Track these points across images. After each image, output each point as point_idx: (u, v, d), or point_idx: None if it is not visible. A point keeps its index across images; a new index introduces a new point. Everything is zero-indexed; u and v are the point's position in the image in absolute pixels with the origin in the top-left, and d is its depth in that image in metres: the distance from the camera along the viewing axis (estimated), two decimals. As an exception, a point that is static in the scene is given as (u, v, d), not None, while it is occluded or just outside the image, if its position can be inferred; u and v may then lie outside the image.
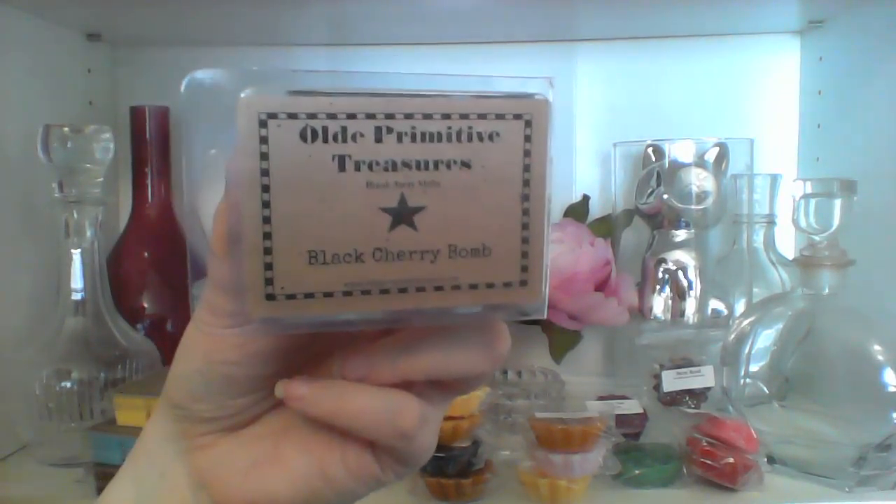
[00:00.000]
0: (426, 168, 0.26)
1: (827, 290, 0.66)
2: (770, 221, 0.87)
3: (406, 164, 0.26)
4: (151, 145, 0.90)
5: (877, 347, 0.63)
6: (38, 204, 0.77)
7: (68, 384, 0.70)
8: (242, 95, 0.25)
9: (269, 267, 0.25)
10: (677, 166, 0.84)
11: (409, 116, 0.26)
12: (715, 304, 0.85)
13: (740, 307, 0.85)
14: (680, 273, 0.85)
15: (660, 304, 0.85)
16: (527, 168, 0.27)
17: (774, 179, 0.87)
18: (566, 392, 0.80)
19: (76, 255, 0.72)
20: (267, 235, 0.25)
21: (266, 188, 0.25)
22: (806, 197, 0.66)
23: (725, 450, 0.62)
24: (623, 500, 0.62)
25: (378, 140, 0.26)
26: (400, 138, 0.26)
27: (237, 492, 0.31)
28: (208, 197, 0.29)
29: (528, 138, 0.27)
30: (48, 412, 0.69)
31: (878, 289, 0.75)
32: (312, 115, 0.25)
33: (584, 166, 1.00)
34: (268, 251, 0.25)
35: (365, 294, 0.26)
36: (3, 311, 0.75)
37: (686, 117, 0.97)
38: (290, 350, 0.30)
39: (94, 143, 0.71)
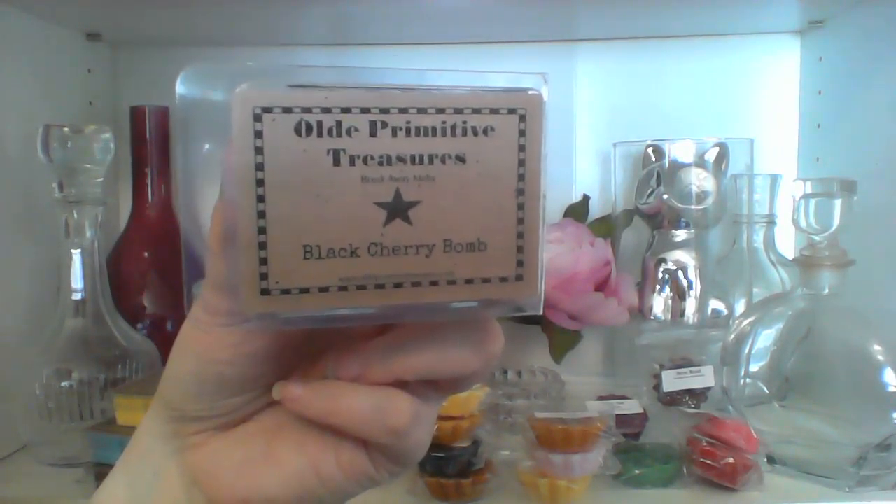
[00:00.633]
0: (421, 162, 0.26)
1: (827, 290, 0.66)
2: (770, 221, 0.87)
3: (401, 159, 0.26)
4: (151, 145, 0.90)
5: (877, 347, 0.63)
6: (38, 204, 0.77)
7: (68, 384, 0.70)
8: (237, 90, 0.25)
9: (263, 262, 0.25)
10: (677, 166, 0.84)
11: (403, 111, 0.26)
12: (715, 304, 0.85)
13: (740, 307, 0.84)
14: (680, 273, 0.85)
15: (660, 304, 0.85)
16: (521, 162, 0.27)
17: (774, 179, 0.87)
18: (566, 392, 0.80)
19: (76, 255, 0.72)
20: (262, 230, 0.25)
21: (261, 182, 0.25)
22: (806, 197, 0.66)
23: (725, 450, 0.62)
24: (623, 500, 0.62)
25: (373, 134, 0.26)
26: (395, 133, 0.26)
27: (230, 490, 0.31)
28: (204, 193, 0.29)
29: (522, 133, 0.27)
30: (48, 412, 0.69)
31: (878, 289, 0.75)
32: (307, 110, 0.25)
33: (584, 166, 1.00)
34: (262, 246, 0.25)
35: (360, 289, 0.26)
36: (3, 311, 0.75)
37: (686, 117, 0.97)
38: (284, 350, 0.30)
39: (94, 143, 0.71)
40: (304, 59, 1.00)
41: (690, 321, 0.84)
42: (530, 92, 0.27)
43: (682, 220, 0.85)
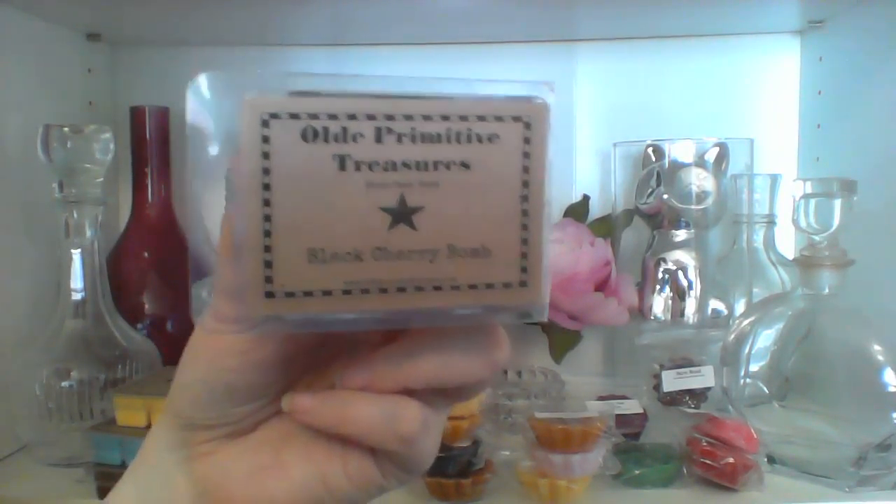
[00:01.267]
0: (426, 168, 0.26)
1: (827, 290, 0.66)
2: (770, 221, 0.87)
3: (406, 165, 0.26)
4: (151, 145, 0.90)
5: (877, 347, 0.63)
6: (38, 204, 0.76)
7: (68, 384, 0.70)
8: (246, 97, 0.25)
9: (268, 265, 0.26)
10: (677, 166, 0.84)
11: (408, 118, 0.26)
12: (715, 304, 0.85)
13: (740, 307, 0.85)
14: (680, 273, 0.85)
15: (660, 304, 0.85)
16: (525, 170, 0.27)
17: (774, 179, 0.87)
18: (566, 392, 0.80)
19: (76, 255, 0.72)
20: (267, 233, 0.25)
21: (267, 187, 0.25)
22: (806, 197, 0.66)
23: (725, 450, 0.62)
24: (623, 500, 0.62)
25: (378, 140, 0.26)
26: (400, 139, 0.26)
27: (239, 499, 0.31)
28: (212, 198, 0.29)
29: (527, 140, 0.27)
30: (48, 412, 0.69)
31: (878, 289, 0.75)
32: (314, 116, 0.25)
33: (584, 166, 1.00)
34: (268, 249, 0.26)
35: (364, 293, 0.26)
36: (3, 311, 0.75)
37: (686, 117, 0.97)
38: (293, 360, 0.30)
39: (94, 143, 0.71)
40: (303, 58, 1.00)
41: (690, 321, 0.84)
42: (535, 100, 0.27)
43: (682, 220, 0.85)
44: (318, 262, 0.26)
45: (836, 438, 0.63)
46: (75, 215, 0.71)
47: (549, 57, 1.00)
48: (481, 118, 0.27)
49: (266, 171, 0.25)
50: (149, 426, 0.60)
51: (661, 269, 0.86)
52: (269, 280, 0.26)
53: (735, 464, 0.61)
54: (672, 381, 0.77)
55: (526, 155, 0.27)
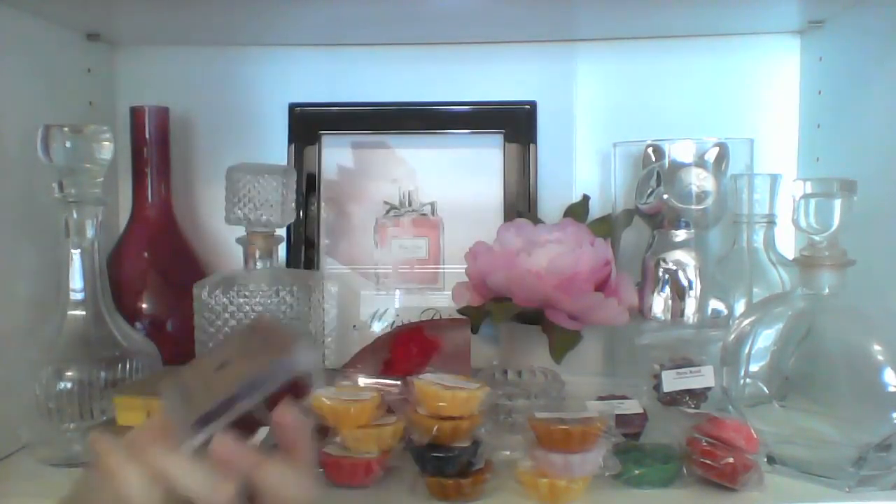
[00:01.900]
0: None
1: (827, 290, 0.66)
2: (770, 221, 0.87)
3: None
4: (151, 145, 0.90)
5: (877, 347, 0.63)
6: (38, 204, 0.76)
7: (68, 384, 0.69)
8: None
9: None
10: (677, 166, 0.85)
11: None
12: (715, 304, 0.85)
13: (740, 307, 0.84)
14: (680, 273, 0.85)
15: (660, 304, 0.85)
16: None
17: (774, 179, 0.87)
18: (566, 392, 0.80)
19: (76, 255, 0.72)
20: None
21: None
22: (806, 197, 0.66)
23: (725, 450, 0.62)
24: (623, 500, 0.62)
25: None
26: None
27: None
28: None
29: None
30: (48, 412, 0.69)
31: (878, 289, 0.75)
32: None
33: (584, 166, 1.00)
34: None
35: None
36: (3, 311, 0.75)
37: (686, 117, 0.97)
38: None
39: (94, 143, 0.71)
40: (303, 58, 1.00)
41: (690, 321, 0.84)
42: None
43: (682, 220, 0.85)
44: None
45: (836, 438, 0.63)
46: (75, 215, 0.71)
47: (549, 57, 1.00)
48: None
49: None
50: (148, 426, 0.59)
51: (661, 269, 0.86)
52: None
53: (735, 464, 0.61)
54: (672, 381, 0.77)
55: None
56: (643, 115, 0.98)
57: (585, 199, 0.94)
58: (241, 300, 0.77)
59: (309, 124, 1.00)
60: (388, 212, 1.00)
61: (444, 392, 0.61)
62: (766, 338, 0.69)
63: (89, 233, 0.72)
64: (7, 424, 0.72)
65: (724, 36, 0.97)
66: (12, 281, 0.77)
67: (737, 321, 0.73)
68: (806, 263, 0.67)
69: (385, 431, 0.63)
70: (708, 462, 0.62)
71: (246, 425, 0.44)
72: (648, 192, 0.86)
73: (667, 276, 0.85)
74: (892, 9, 0.78)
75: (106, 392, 0.69)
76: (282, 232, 0.84)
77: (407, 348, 0.81)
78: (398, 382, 0.67)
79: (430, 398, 0.61)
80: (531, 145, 0.99)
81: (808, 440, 0.64)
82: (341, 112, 1.00)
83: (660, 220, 0.86)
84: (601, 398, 0.76)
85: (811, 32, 0.94)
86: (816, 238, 0.66)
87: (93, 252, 0.73)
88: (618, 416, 0.68)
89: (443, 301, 0.96)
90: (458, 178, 1.00)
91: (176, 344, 0.83)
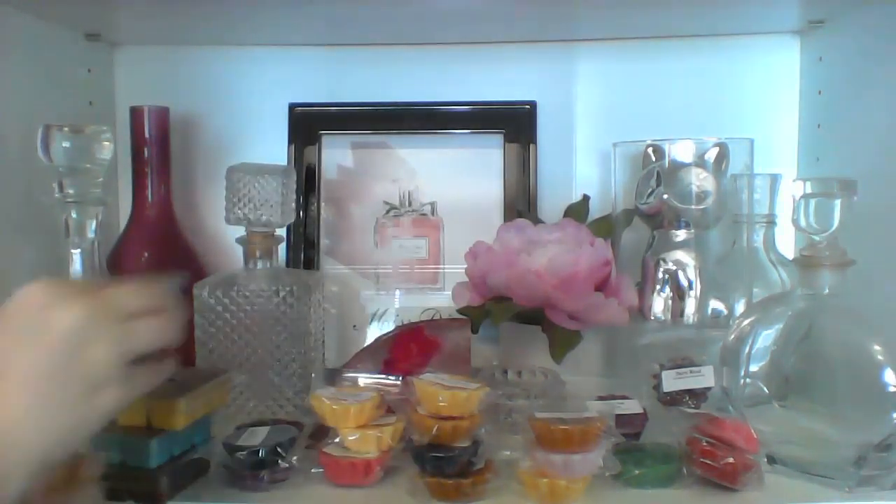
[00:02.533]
0: None
1: (827, 290, 0.66)
2: (770, 221, 0.87)
3: None
4: (151, 145, 0.90)
5: (877, 347, 0.63)
6: (38, 204, 0.76)
7: (68, 384, 0.69)
8: None
9: None
10: (677, 166, 0.84)
11: None
12: (715, 304, 0.85)
13: (740, 307, 0.84)
14: (680, 273, 0.85)
15: (660, 304, 0.85)
16: None
17: (774, 179, 0.87)
18: (566, 392, 0.80)
19: (76, 255, 0.72)
20: None
21: None
22: (806, 197, 0.66)
23: (725, 450, 0.62)
24: (623, 500, 0.62)
25: None
26: None
27: None
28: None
29: None
30: (48, 412, 0.69)
31: (878, 289, 0.75)
32: None
33: (584, 166, 1.00)
34: None
35: None
36: (3, 311, 0.75)
37: (686, 117, 0.97)
38: None
39: (94, 143, 0.71)
40: (303, 58, 1.00)
41: (690, 321, 0.84)
42: None
43: (682, 220, 0.85)
44: None
45: (836, 438, 0.63)
46: (75, 215, 0.71)
47: (549, 57, 1.00)
48: None
49: None
50: (149, 426, 0.60)
51: (661, 269, 0.85)
52: None
53: (735, 464, 0.61)
54: (672, 381, 0.77)
55: None
56: (643, 115, 0.98)
57: (585, 199, 0.94)
58: (241, 300, 0.77)
59: (309, 124, 1.00)
60: (388, 212, 1.00)
61: (444, 392, 0.61)
62: (766, 338, 0.69)
63: (89, 233, 0.72)
64: (7, 424, 0.71)
65: (723, 36, 0.97)
66: (12, 281, 0.76)
67: (737, 321, 0.73)
68: (806, 263, 0.67)
69: (385, 431, 0.63)
70: (708, 462, 0.62)
71: None
72: (648, 192, 0.86)
73: (667, 276, 0.85)
74: (892, 9, 0.78)
75: (106, 392, 0.69)
76: (282, 232, 0.84)
77: (407, 348, 0.81)
78: (398, 382, 0.67)
79: (430, 398, 0.61)
80: (531, 145, 0.99)
81: (808, 440, 0.64)
82: (341, 112, 1.00)
83: (660, 220, 0.86)
84: (601, 398, 0.76)
85: (811, 32, 0.94)
86: (816, 238, 0.66)
87: (93, 252, 0.73)
88: (618, 416, 0.68)
89: (443, 301, 0.96)
90: (458, 178, 1.00)
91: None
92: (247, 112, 1.01)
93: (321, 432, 0.66)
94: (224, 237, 0.95)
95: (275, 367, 0.77)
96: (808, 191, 0.66)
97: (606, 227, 0.91)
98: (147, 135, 0.89)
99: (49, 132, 0.69)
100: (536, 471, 0.61)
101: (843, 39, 0.88)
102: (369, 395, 0.65)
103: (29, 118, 0.77)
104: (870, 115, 0.82)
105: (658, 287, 0.86)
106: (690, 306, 0.84)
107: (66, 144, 0.69)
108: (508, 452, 0.64)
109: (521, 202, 0.98)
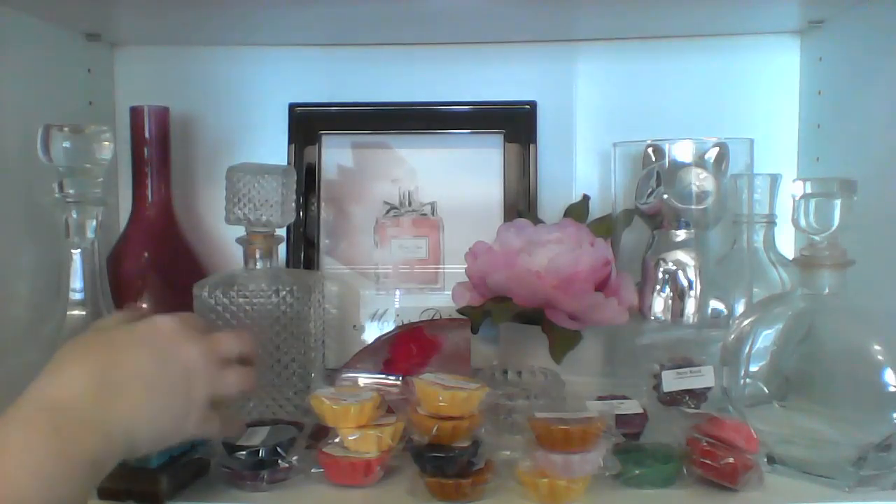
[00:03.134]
0: None
1: (827, 290, 0.66)
2: (770, 221, 0.87)
3: None
4: (151, 145, 0.90)
5: (877, 347, 0.63)
6: (38, 204, 0.77)
7: (68, 384, 0.69)
8: None
9: None
10: (677, 166, 0.84)
11: None
12: (715, 304, 0.85)
13: (740, 307, 0.84)
14: (680, 273, 0.85)
15: (660, 304, 0.85)
16: None
17: (774, 179, 0.87)
18: (566, 392, 0.80)
19: (76, 255, 0.72)
20: None
21: None
22: (806, 197, 0.66)
23: (725, 450, 0.62)
24: (623, 500, 0.62)
25: None
26: None
27: None
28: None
29: None
30: (48, 412, 0.69)
31: (878, 289, 0.75)
32: None
33: (584, 166, 1.00)
34: None
35: None
36: (3, 311, 0.75)
37: (686, 117, 0.97)
38: None
39: (94, 143, 0.71)
40: (303, 58, 1.00)
41: (690, 321, 0.84)
42: None
43: (682, 220, 0.85)
44: None
45: (836, 438, 0.63)
46: (75, 215, 0.71)
47: (549, 57, 1.00)
48: None
49: None
50: (149, 426, 0.60)
51: (661, 269, 0.85)
52: None
53: (735, 464, 0.61)
54: (672, 381, 0.77)
55: None
56: (643, 115, 0.98)
57: (585, 199, 0.95)
58: (241, 300, 0.77)
59: (309, 124, 1.00)
60: (388, 212, 1.00)
61: (443, 392, 0.61)
62: (766, 338, 0.69)
63: (89, 233, 0.72)
64: (7, 424, 0.71)
65: (723, 36, 0.97)
66: (12, 281, 0.77)
67: (737, 321, 0.73)
68: (806, 263, 0.67)
69: (385, 431, 0.63)
70: (708, 462, 0.62)
71: None
72: (648, 192, 0.86)
73: (667, 276, 0.85)
74: (892, 9, 0.78)
75: (106, 392, 0.69)
76: (282, 232, 0.84)
77: (407, 348, 0.81)
78: (398, 382, 0.67)
79: (429, 398, 0.61)
80: (531, 145, 0.99)
81: (808, 440, 0.64)
82: (341, 112, 1.00)
83: (660, 220, 0.86)
84: (601, 398, 0.76)
85: (811, 32, 0.94)
86: (816, 238, 0.66)
87: (93, 252, 0.73)
88: (618, 416, 0.68)
89: (443, 301, 0.96)
90: (458, 178, 1.00)
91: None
92: (247, 112, 1.01)
93: (321, 432, 0.66)
94: (224, 237, 0.95)
95: (275, 367, 0.77)
96: (808, 191, 0.66)
97: (606, 227, 0.91)
98: (147, 135, 0.90)
99: (49, 132, 0.69)
100: (536, 471, 0.61)
101: (843, 39, 0.88)
102: (369, 395, 0.65)
103: (29, 118, 0.77)
104: (870, 115, 0.82)
105: (658, 287, 0.86)
106: (690, 306, 0.84)
107: (66, 144, 0.69)
108: (508, 452, 0.64)
109: (521, 202, 0.98)
